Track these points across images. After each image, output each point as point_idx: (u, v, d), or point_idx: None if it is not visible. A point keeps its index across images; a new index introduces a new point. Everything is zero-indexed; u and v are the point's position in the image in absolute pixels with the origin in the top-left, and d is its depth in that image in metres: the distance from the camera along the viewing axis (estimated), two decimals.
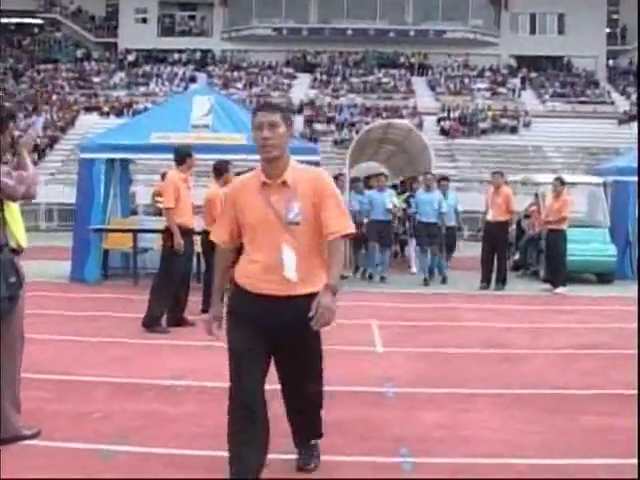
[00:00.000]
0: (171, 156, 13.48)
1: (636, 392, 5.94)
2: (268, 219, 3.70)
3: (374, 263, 13.35)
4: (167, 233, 8.34)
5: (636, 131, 35.52)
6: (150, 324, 8.08)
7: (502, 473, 4.24)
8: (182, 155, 8.61)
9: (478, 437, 4.84)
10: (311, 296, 3.63)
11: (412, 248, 14.73)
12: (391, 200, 13.40)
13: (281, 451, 4.32)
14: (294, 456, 4.34)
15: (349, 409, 5.43)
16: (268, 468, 3.96)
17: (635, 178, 13.50)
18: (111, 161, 12.72)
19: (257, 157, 11.68)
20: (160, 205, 16.47)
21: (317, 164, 12.62)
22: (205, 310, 9.00)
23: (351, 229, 3.72)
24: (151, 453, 4.46)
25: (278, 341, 3.88)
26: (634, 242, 14.11)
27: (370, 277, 13.43)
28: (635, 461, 4.33)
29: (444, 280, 12.84)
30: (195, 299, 9.50)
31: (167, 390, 5.84)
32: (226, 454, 4.42)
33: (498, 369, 6.76)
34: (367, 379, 6.30)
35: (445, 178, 14.69)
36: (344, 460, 4.42)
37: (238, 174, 10.71)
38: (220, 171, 9.14)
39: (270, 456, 4.02)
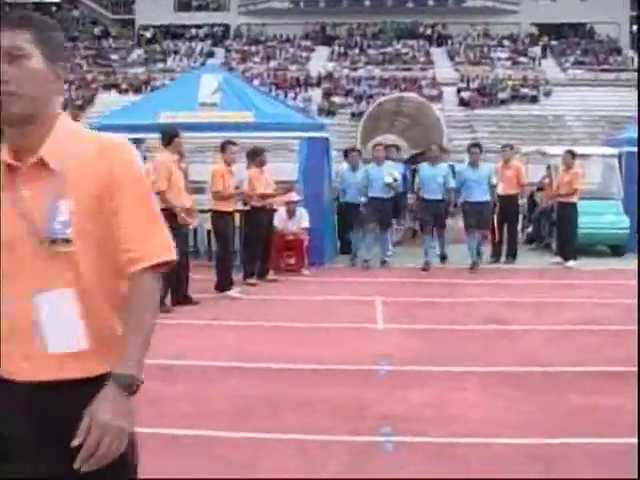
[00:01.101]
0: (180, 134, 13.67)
1: (629, 369, 5.99)
2: (16, 236, 1.92)
3: (370, 246, 12.03)
4: (166, 213, 8.40)
5: None
6: None
7: (481, 453, 4.33)
8: (168, 136, 8.60)
9: (463, 416, 4.92)
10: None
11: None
12: (390, 173, 11.84)
13: None
14: None
15: (339, 387, 5.53)
16: None
17: None
18: None
19: (265, 134, 11.77)
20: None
21: (327, 141, 12.68)
22: (219, 287, 9.14)
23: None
24: (141, 432, 4.53)
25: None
26: None
27: (366, 262, 11.72)
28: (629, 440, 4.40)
29: (474, 264, 11.49)
30: (201, 277, 9.68)
31: (163, 370, 5.95)
32: (215, 433, 4.57)
33: (493, 346, 6.83)
34: (363, 357, 6.40)
35: (476, 145, 12.62)
36: (325, 439, 4.52)
37: (252, 153, 10.86)
38: (223, 147, 9.25)
39: None
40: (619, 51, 41.89)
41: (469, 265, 11.42)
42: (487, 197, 11.73)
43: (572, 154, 12.46)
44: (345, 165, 12.73)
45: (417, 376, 5.86)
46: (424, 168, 12.14)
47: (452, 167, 13.02)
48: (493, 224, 12.54)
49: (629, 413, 4.98)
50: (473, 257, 11.56)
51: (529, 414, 4.99)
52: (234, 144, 9.58)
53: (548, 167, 14.67)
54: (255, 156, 10.59)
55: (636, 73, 39.03)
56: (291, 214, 11.14)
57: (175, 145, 8.61)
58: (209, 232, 11.52)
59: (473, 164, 11.87)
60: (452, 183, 11.84)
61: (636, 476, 4.03)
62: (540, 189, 15.08)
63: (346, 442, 4.50)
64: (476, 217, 11.52)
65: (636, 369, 5.80)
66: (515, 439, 4.54)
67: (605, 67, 39.81)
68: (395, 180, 11.81)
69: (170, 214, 8.33)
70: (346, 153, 13.51)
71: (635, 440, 4.42)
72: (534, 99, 36.30)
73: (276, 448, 4.41)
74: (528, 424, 4.80)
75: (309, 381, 5.71)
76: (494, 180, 11.81)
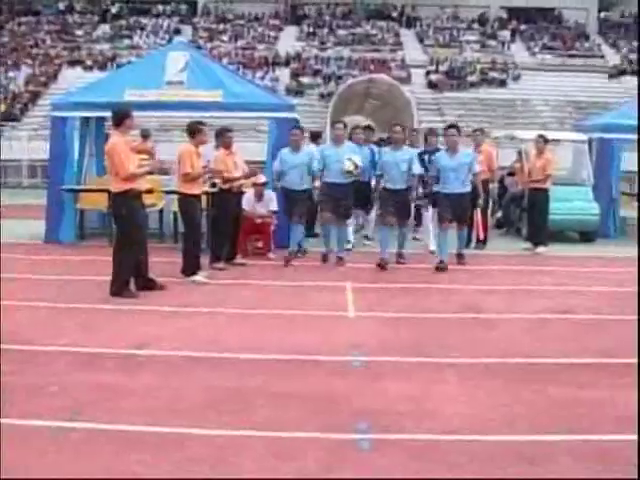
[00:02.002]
0: (147, 113, 13.30)
1: (609, 360, 5.88)
2: None
3: (329, 241, 10.45)
4: (118, 198, 8.07)
5: (625, 85, 35.23)
6: (118, 292, 7.92)
7: (462, 452, 4.13)
8: (120, 115, 8.16)
9: (442, 411, 4.73)
10: None
11: (429, 219, 11.65)
12: (350, 158, 10.02)
13: None
14: None
15: (311, 380, 5.33)
16: None
17: (621, 135, 13.35)
18: (86, 119, 12.48)
19: (233, 114, 11.46)
20: (141, 163, 16.32)
21: (297, 122, 12.39)
22: (185, 272, 8.85)
23: None
24: (101, 430, 4.33)
25: None
26: (617, 201, 14.01)
27: (325, 258, 10.33)
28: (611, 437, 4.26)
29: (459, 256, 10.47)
30: (167, 260, 9.38)
31: (128, 360, 5.72)
32: (181, 430, 4.33)
33: (470, 336, 6.65)
34: (334, 347, 6.19)
35: (453, 126, 10.91)
36: (297, 436, 4.30)
37: (219, 132, 10.52)
38: (193, 131, 8.89)
39: None
40: (587, 37, 41.95)
41: (436, 264, 9.82)
42: (466, 188, 10.26)
43: (544, 139, 12.34)
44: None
45: (393, 368, 5.66)
46: (385, 153, 10.47)
47: (424, 153, 11.69)
48: (471, 217, 11.32)
49: (611, 407, 4.87)
50: (441, 253, 10.00)
51: (510, 408, 4.82)
52: (202, 124, 9.24)
53: (519, 152, 14.55)
54: (221, 136, 10.29)
55: (602, 59, 39.22)
56: (259, 197, 10.86)
57: (127, 126, 8.19)
58: (175, 214, 11.19)
59: (450, 149, 10.33)
60: (417, 170, 10.16)
61: (636, 476, 3.91)
62: (511, 174, 14.96)
63: (319, 439, 4.27)
64: (452, 210, 10.09)
65: (624, 360, 5.71)
66: (497, 436, 4.38)
67: (573, 53, 39.84)
68: (356, 167, 10.01)
69: (129, 197, 8.03)
70: (314, 137, 13.23)
71: (621, 437, 4.30)
72: (503, 83, 36.20)
73: (245, 446, 4.17)
74: (510, 419, 4.63)
75: (280, 372, 5.48)
76: (476, 167, 10.42)
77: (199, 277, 8.80)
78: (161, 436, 4.27)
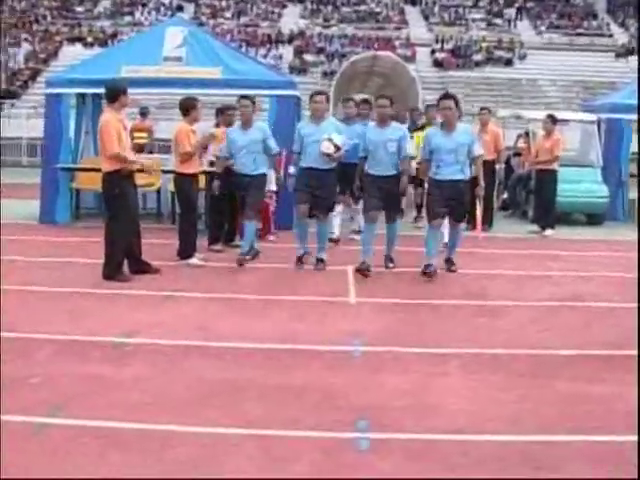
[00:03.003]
0: (145, 90, 13.00)
1: (621, 353, 5.61)
2: None
3: (304, 238, 8.68)
4: (109, 178, 7.78)
5: (633, 65, 34.74)
6: (111, 275, 7.66)
7: (466, 452, 3.87)
8: (114, 91, 7.84)
9: (444, 408, 4.47)
10: None
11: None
12: (330, 139, 8.20)
13: None
14: None
15: (308, 372, 5.07)
16: None
17: (630, 116, 13.01)
18: (82, 96, 12.18)
19: (233, 92, 11.12)
20: (140, 141, 16.02)
21: (298, 99, 12.07)
22: (181, 254, 8.59)
23: None
24: (84, 427, 4.07)
25: None
26: (626, 183, 13.69)
27: (300, 262, 8.59)
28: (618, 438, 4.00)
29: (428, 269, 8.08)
30: (164, 242, 9.12)
31: (117, 349, 5.46)
32: (166, 427, 4.08)
33: (474, 324, 6.38)
34: (334, 336, 5.93)
35: (449, 96, 8.54)
36: (292, 435, 4.03)
37: (220, 110, 10.24)
38: (186, 108, 8.59)
39: None
40: (595, 15, 41.40)
41: (422, 269, 8.04)
42: (465, 174, 8.12)
43: (553, 119, 12.01)
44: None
45: (394, 358, 5.38)
46: (369, 130, 8.57)
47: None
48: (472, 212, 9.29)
49: (624, 403, 4.60)
50: (429, 258, 8.09)
51: (516, 405, 4.56)
52: (195, 100, 8.93)
53: (526, 133, 14.21)
54: (221, 114, 10.02)
55: (610, 38, 38.68)
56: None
57: (121, 103, 7.87)
58: (173, 194, 10.91)
59: (446, 125, 8.17)
60: (409, 150, 8.52)
61: (636, 476, 3.66)
62: (517, 154, 14.63)
63: (315, 439, 4.01)
64: (447, 203, 8.05)
65: (634, 352, 5.44)
66: (503, 435, 4.11)
67: (580, 31, 39.33)
68: (337, 149, 8.19)
69: (120, 176, 7.75)
70: None
71: (634, 438, 4.03)
72: (509, 62, 35.78)
73: (235, 445, 3.91)
74: (516, 418, 4.36)
75: (276, 364, 5.22)
76: (477, 150, 8.35)
77: (195, 260, 8.53)
78: (146, 434, 4.01)
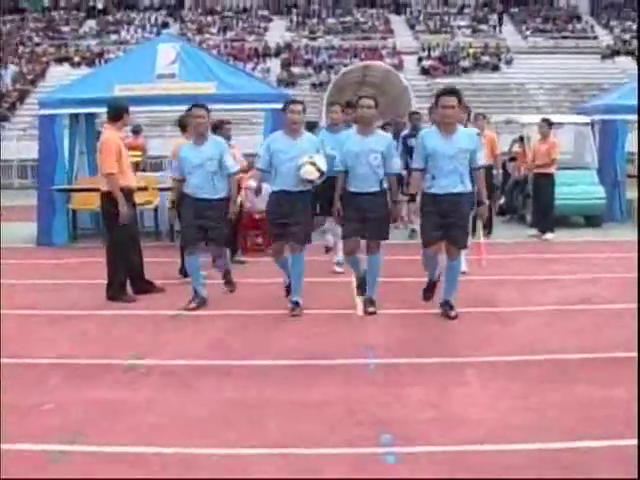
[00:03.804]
0: (137, 108, 12.92)
1: (633, 354, 5.55)
2: None
3: (288, 271, 7.33)
4: (108, 197, 7.70)
5: (619, 66, 34.92)
6: (115, 295, 7.57)
7: (494, 462, 3.81)
8: (118, 111, 7.80)
9: (469, 418, 4.40)
10: None
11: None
12: (312, 162, 6.81)
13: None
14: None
15: (327, 386, 4.99)
16: None
17: (625, 116, 13.05)
18: (75, 116, 12.11)
19: (228, 107, 11.02)
20: (135, 159, 15.91)
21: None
22: (184, 272, 8.47)
23: None
24: (102, 452, 3.99)
25: None
26: (623, 183, 13.70)
27: (288, 289, 7.37)
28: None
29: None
30: (164, 260, 9.03)
31: (127, 373, 5.35)
32: (186, 450, 4.00)
33: (486, 331, 6.31)
34: (347, 349, 5.85)
35: (452, 91, 6.68)
36: (315, 453, 3.95)
37: (216, 126, 10.13)
38: (185, 125, 8.53)
39: None
40: (579, 18, 41.58)
41: (422, 291, 7.18)
42: (466, 187, 6.60)
43: (548, 123, 12.01)
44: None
45: (411, 370, 5.32)
46: (349, 139, 7.01)
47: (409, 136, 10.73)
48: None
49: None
50: (431, 278, 7.07)
51: (539, 412, 4.50)
52: (228, 123, 9.04)
53: (521, 137, 14.21)
54: (218, 129, 9.95)
55: (595, 40, 38.85)
56: (258, 191, 10.47)
57: (124, 122, 7.88)
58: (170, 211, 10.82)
59: (444, 126, 6.56)
60: (396, 165, 7.15)
61: (636, 476, 3.65)
62: (512, 159, 14.61)
63: (340, 455, 3.94)
64: (445, 222, 6.55)
65: None
66: (530, 444, 4.04)
67: (565, 34, 39.48)
68: (320, 174, 6.85)
69: (127, 194, 7.68)
70: (310, 127, 12.83)
71: None
72: (495, 67, 35.85)
73: (259, 465, 3.84)
74: (540, 424, 4.30)
75: (291, 380, 5.14)
76: (480, 158, 6.76)
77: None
78: (167, 457, 3.93)
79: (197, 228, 7.24)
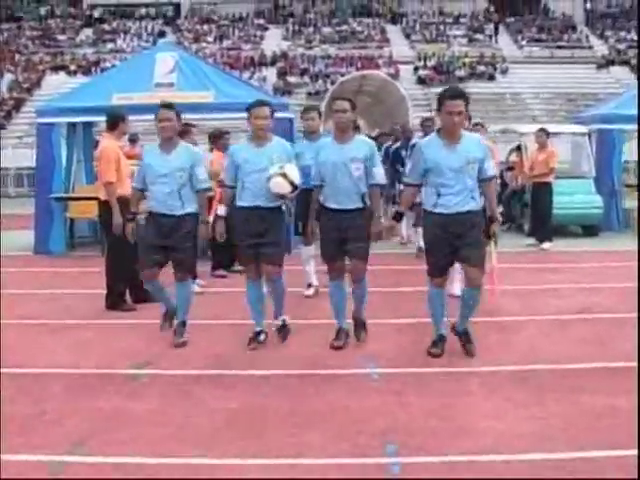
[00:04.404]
0: (135, 117, 12.91)
1: (634, 364, 5.54)
2: None
3: (258, 314, 6.35)
4: (107, 206, 7.64)
5: (614, 76, 35.06)
6: (114, 304, 7.55)
7: (501, 473, 3.79)
8: (114, 119, 7.81)
9: (472, 427, 4.38)
10: None
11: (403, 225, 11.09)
12: (283, 173, 5.91)
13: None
14: None
15: (330, 397, 4.96)
16: None
17: (623, 126, 13.11)
18: (73, 125, 12.11)
19: (226, 115, 10.99)
20: (132, 168, 15.91)
21: (290, 121, 12.01)
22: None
23: None
24: (106, 463, 3.96)
25: None
26: (620, 192, 13.74)
27: (257, 339, 6.28)
28: None
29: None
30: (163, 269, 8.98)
31: (129, 382, 5.33)
32: (189, 460, 3.97)
33: (488, 341, 6.28)
34: (348, 359, 5.83)
35: (460, 95, 5.64)
36: (323, 463, 3.93)
37: (213, 135, 10.12)
38: (182, 134, 8.48)
39: None
40: (574, 28, 41.81)
41: (429, 346, 5.93)
42: (476, 204, 5.66)
43: (546, 132, 12.05)
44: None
45: (413, 379, 5.29)
46: (324, 148, 6.14)
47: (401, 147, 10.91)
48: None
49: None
50: (438, 327, 5.97)
51: (543, 421, 4.48)
52: (191, 126, 8.92)
53: (518, 147, 14.24)
54: (218, 138, 9.95)
55: (590, 50, 39.03)
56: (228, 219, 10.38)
57: (121, 130, 7.86)
58: None
59: (448, 133, 5.59)
60: (380, 177, 6.09)
61: (636, 476, 3.66)
62: (510, 169, 14.64)
63: (345, 465, 3.92)
64: (454, 245, 5.63)
65: None
66: (535, 454, 4.02)
67: (560, 44, 39.70)
68: (294, 188, 5.98)
69: (120, 204, 7.65)
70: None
71: None
72: (491, 77, 36.04)
73: (261, 475, 3.81)
74: (545, 434, 4.28)
75: (293, 390, 5.11)
76: (490, 168, 5.76)
77: (194, 287, 8.41)
78: (171, 468, 3.90)
79: (158, 249, 6.22)
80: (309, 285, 8.33)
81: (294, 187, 5.99)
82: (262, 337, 6.26)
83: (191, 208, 6.25)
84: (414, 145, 9.74)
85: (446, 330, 5.98)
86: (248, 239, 6.07)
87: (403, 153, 11.14)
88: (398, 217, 6.18)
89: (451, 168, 5.57)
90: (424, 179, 5.72)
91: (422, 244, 6.50)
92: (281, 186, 5.95)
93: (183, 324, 6.41)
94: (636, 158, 20.09)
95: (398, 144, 11.82)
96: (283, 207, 6.32)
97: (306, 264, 8.27)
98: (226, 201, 6.29)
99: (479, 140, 5.84)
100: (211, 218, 6.61)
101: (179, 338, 6.27)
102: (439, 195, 5.63)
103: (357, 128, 14.18)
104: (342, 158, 5.96)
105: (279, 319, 6.51)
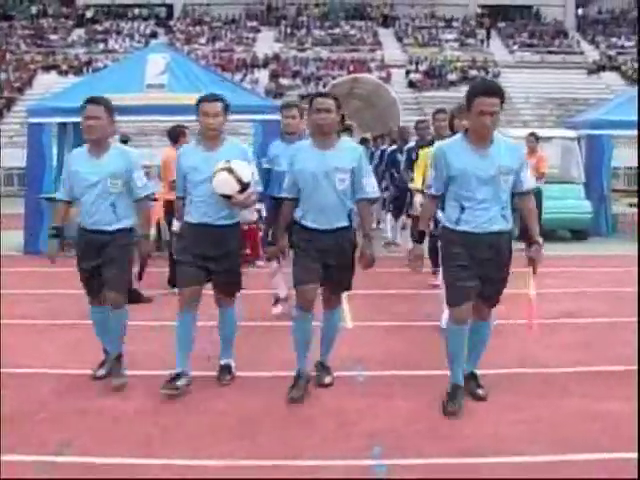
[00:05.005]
0: (126, 118, 12.93)
1: (627, 368, 5.59)
2: None
3: (183, 346, 5.23)
4: None
5: (605, 81, 35.24)
6: None
7: (483, 477, 3.82)
8: None
9: (458, 430, 4.42)
10: None
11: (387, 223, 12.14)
12: (229, 168, 4.96)
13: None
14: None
15: (317, 399, 4.98)
16: None
17: (614, 132, 13.23)
18: (64, 125, 12.10)
19: None
20: None
21: (279, 123, 12.03)
22: (173, 282, 8.43)
23: None
24: (94, 463, 3.97)
25: None
26: (609, 198, 13.84)
27: (175, 385, 5.04)
28: (633, 455, 3.96)
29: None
30: (151, 270, 9.00)
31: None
32: (178, 461, 3.99)
33: None
34: (336, 362, 5.80)
35: (495, 91, 4.60)
36: (311, 464, 3.96)
37: (178, 133, 10.06)
38: (175, 137, 8.54)
39: None
40: (565, 34, 42.01)
41: (444, 401, 4.79)
42: (506, 222, 4.79)
43: (535, 137, 12.12)
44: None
45: (400, 382, 5.32)
46: (301, 153, 5.13)
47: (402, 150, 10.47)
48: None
49: (632, 421, 4.57)
50: (455, 374, 4.91)
51: (530, 425, 4.51)
52: (185, 127, 8.94)
53: None
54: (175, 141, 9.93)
55: (581, 55, 39.22)
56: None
57: None
58: (158, 220, 10.81)
59: (476, 136, 4.64)
60: (371, 189, 5.09)
61: (636, 476, 3.70)
62: None
63: (332, 467, 3.94)
64: (481, 272, 4.78)
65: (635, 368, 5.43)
66: (520, 457, 4.06)
67: (552, 49, 39.88)
68: (242, 187, 4.97)
69: None
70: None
71: None
72: None
73: (250, 477, 3.83)
74: (531, 437, 4.31)
75: (281, 392, 5.10)
76: (528, 179, 4.83)
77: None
78: (160, 469, 3.91)
79: (90, 271, 5.37)
80: (277, 300, 7.44)
81: (243, 185, 4.93)
82: (181, 382, 5.00)
83: (128, 221, 5.24)
84: (410, 149, 9.50)
85: (462, 378, 4.92)
86: (195, 261, 5.07)
87: (399, 157, 11.08)
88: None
89: (480, 178, 4.62)
90: (447, 188, 4.77)
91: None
92: (226, 184, 4.89)
93: (118, 359, 5.34)
94: (626, 164, 20.35)
95: (394, 147, 11.80)
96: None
97: (272, 275, 7.40)
98: (178, 214, 5.42)
99: (515, 145, 4.86)
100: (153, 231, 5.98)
101: (118, 379, 5.19)
102: (463, 209, 4.69)
103: (349, 130, 14.24)
104: (324, 167, 4.94)
105: (223, 360, 5.37)
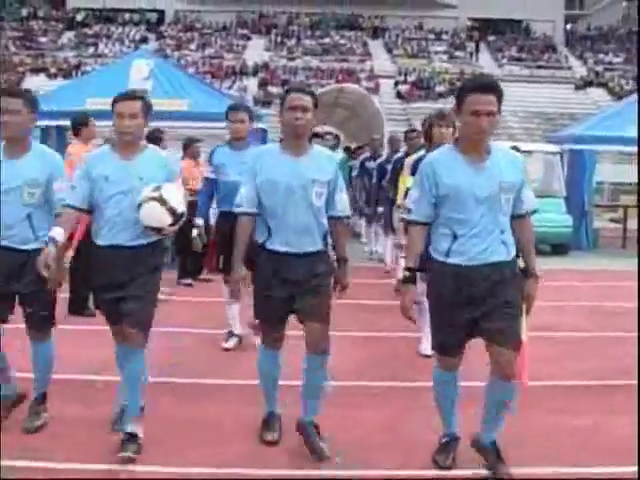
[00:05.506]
0: (108, 123, 12.91)
1: (599, 383, 5.62)
2: None
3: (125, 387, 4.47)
4: None
5: (592, 96, 35.47)
6: (77, 310, 7.50)
7: None
8: (77, 125, 7.79)
9: (425, 442, 4.38)
10: None
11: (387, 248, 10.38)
12: (159, 197, 4.08)
13: None
14: None
15: (284, 408, 4.94)
16: None
17: (596, 147, 13.33)
18: (47, 128, 12.06)
19: (200, 124, 10.99)
20: None
21: (264, 132, 12.05)
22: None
23: None
24: (64, 469, 3.93)
25: None
26: (590, 213, 13.93)
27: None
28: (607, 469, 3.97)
29: None
30: None
31: (87, 387, 5.32)
32: (144, 468, 3.96)
33: None
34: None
35: (491, 87, 3.76)
36: (278, 475, 3.94)
37: (186, 144, 10.11)
38: (153, 142, 8.49)
39: None
40: (554, 49, 42.31)
41: (434, 453, 4.23)
42: (507, 250, 4.03)
43: (517, 150, 12.13)
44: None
45: (368, 393, 5.33)
46: (266, 159, 4.28)
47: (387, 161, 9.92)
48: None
49: (607, 435, 4.59)
50: (447, 425, 4.33)
51: (500, 438, 4.45)
52: (161, 132, 8.94)
53: None
54: (187, 147, 9.98)
55: (569, 70, 39.49)
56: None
57: (85, 135, 7.80)
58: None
59: (470, 149, 3.80)
60: (342, 207, 4.36)
61: (636, 476, 3.73)
62: None
63: (298, 477, 3.95)
64: (476, 313, 3.92)
65: (612, 382, 5.45)
66: (484, 470, 4.04)
67: (540, 64, 40.17)
68: (176, 218, 4.17)
69: None
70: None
71: (626, 469, 4.01)
72: None
73: None
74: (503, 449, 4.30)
75: (250, 400, 5.07)
76: (530, 198, 4.08)
77: (159, 295, 8.36)
78: (120, 475, 3.90)
79: (4, 297, 4.53)
80: (230, 334, 6.63)
81: (176, 217, 4.14)
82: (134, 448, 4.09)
83: (38, 243, 4.34)
84: (398, 159, 8.33)
85: (458, 429, 4.29)
86: (107, 291, 4.36)
87: (389, 167, 10.16)
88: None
89: (477, 198, 3.78)
90: (437, 211, 3.87)
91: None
92: (156, 216, 4.09)
93: (42, 399, 4.64)
94: (611, 179, 20.49)
95: (382, 158, 10.90)
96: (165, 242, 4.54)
97: (227, 305, 6.62)
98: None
99: (516, 156, 4.06)
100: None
101: (35, 420, 4.48)
102: (455, 237, 3.85)
103: (337, 137, 14.25)
104: (300, 179, 4.13)
105: (129, 427, 4.18)
